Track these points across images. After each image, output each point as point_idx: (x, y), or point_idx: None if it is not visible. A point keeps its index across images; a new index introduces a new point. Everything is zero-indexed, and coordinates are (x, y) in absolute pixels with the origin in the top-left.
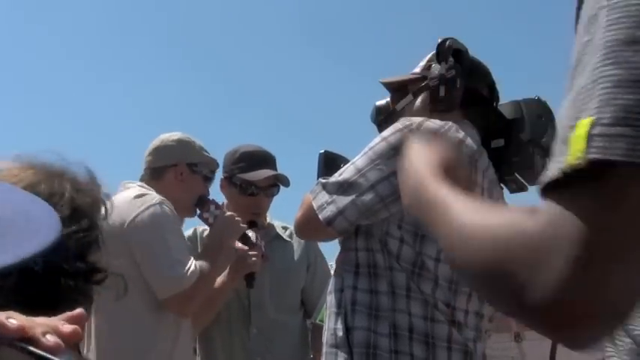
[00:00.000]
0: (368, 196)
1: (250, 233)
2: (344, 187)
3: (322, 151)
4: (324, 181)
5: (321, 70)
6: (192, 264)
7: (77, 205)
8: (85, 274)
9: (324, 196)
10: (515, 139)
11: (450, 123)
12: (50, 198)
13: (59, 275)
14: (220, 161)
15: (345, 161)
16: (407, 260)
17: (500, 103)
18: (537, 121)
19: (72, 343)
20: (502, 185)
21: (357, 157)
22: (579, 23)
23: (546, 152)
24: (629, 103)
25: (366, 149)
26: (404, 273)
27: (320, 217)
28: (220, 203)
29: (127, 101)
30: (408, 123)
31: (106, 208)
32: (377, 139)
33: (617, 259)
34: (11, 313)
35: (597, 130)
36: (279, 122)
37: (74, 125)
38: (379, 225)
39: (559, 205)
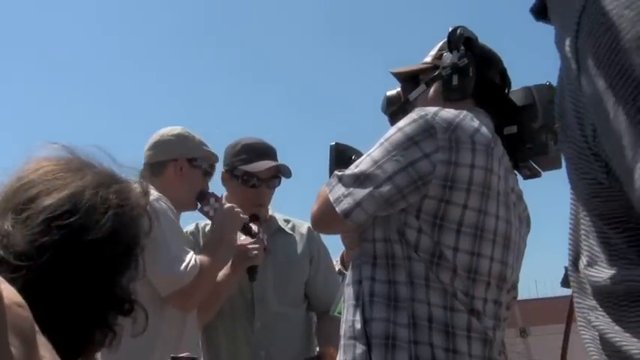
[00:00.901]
0: (385, 188)
1: (253, 226)
2: (361, 179)
3: (333, 143)
4: (339, 173)
5: (328, 65)
6: (192, 259)
7: (119, 224)
8: (115, 303)
9: (340, 189)
10: (528, 125)
11: (465, 112)
12: (92, 212)
13: (88, 307)
14: (220, 155)
15: (357, 153)
16: (425, 250)
17: (512, 89)
18: (549, 106)
19: None
20: (516, 172)
21: (372, 149)
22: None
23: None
24: None
25: (382, 140)
26: (422, 263)
27: (337, 209)
28: (220, 196)
29: (131, 92)
30: (423, 113)
31: (150, 223)
32: (392, 130)
33: None
34: None
35: None
36: (288, 118)
37: (76, 119)
38: (397, 215)
39: None
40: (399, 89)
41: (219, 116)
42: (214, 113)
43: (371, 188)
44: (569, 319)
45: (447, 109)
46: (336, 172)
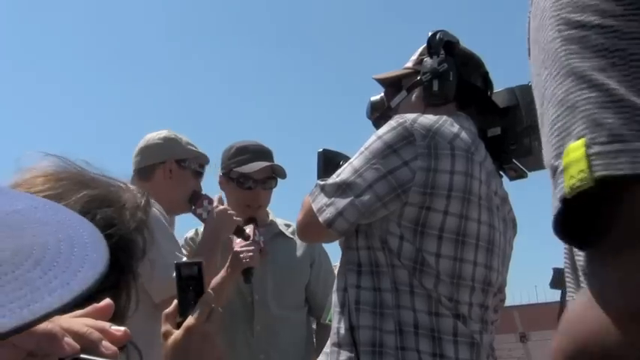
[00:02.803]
0: (366, 197)
1: (249, 229)
2: (342, 188)
3: (321, 149)
4: (322, 183)
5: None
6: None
7: (120, 248)
8: None
9: (322, 199)
10: (512, 126)
11: (444, 117)
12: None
13: None
14: (213, 158)
15: (345, 158)
16: (408, 257)
17: (495, 91)
18: (533, 106)
19: (122, 345)
20: (502, 173)
21: (354, 157)
22: (531, 64)
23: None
24: (620, 122)
25: (362, 149)
26: (405, 270)
27: (320, 219)
28: (212, 198)
29: (122, 100)
30: (401, 120)
31: (145, 244)
32: (372, 138)
33: None
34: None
35: (596, 148)
36: (282, 122)
37: (68, 126)
38: (379, 223)
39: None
40: (382, 94)
41: (209, 124)
42: (203, 121)
43: (352, 197)
44: None
45: (426, 115)
46: (319, 182)
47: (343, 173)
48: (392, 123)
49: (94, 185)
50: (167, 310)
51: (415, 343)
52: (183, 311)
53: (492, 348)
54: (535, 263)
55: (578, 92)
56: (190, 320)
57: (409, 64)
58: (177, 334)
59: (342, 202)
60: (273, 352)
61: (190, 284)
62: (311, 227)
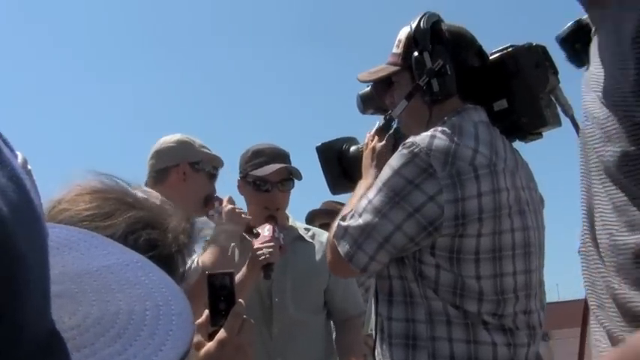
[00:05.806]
0: (396, 239)
1: (268, 227)
2: (367, 232)
3: (318, 145)
4: (344, 224)
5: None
6: (194, 262)
7: None
8: None
9: (348, 243)
10: (517, 95)
11: (456, 138)
12: None
13: None
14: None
15: (348, 141)
16: (446, 284)
17: (490, 57)
18: (535, 71)
19: None
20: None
21: (372, 193)
22: None
23: (553, 101)
24: None
25: (379, 182)
26: (441, 302)
27: (351, 265)
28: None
29: (131, 103)
30: (416, 149)
31: (185, 268)
32: (387, 171)
33: None
34: None
35: None
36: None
37: (80, 128)
38: (411, 254)
39: None
40: (370, 87)
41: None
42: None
43: (380, 241)
44: (584, 323)
45: (438, 136)
46: (341, 223)
47: (365, 213)
48: (404, 152)
49: (139, 206)
50: (199, 321)
51: None
52: (214, 321)
53: (539, 358)
54: (557, 262)
55: None
56: (223, 333)
57: (395, 59)
58: (209, 346)
59: (370, 247)
60: (291, 355)
61: (222, 294)
62: (343, 270)
